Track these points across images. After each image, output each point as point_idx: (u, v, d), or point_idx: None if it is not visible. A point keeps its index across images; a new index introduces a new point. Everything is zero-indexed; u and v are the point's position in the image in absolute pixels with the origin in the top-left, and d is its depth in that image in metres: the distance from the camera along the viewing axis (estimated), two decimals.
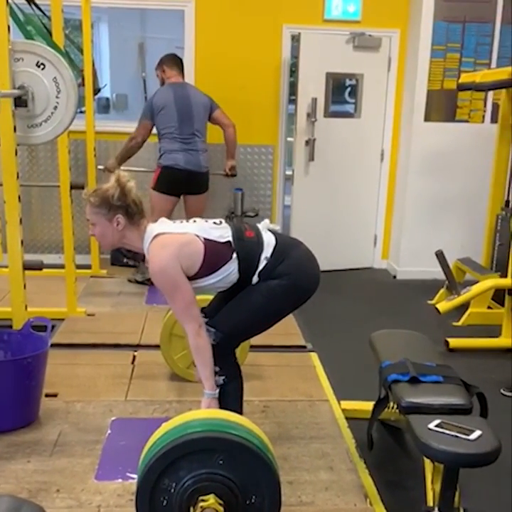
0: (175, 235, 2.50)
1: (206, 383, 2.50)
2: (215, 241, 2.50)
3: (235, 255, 2.49)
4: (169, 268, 2.42)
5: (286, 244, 2.60)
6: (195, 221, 2.58)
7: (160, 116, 4.81)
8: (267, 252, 2.52)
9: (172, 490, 2.01)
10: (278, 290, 2.51)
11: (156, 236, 2.48)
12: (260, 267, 2.51)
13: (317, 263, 2.65)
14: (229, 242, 2.51)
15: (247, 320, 2.58)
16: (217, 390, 2.53)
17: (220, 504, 1.99)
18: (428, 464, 2.57)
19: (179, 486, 2.01)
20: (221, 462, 2.01)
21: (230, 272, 2.50)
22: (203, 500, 1.99)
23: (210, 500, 1.98)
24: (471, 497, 2.48)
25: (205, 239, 2.49)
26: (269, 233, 2.59)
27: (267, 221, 2.68)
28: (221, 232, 2.53)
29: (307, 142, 5.64)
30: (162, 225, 2.55)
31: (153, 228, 2.52)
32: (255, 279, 2.52)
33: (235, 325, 2.57)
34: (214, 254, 2.48)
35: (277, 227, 2.69)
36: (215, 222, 2.57)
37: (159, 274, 2.43)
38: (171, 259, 2.43)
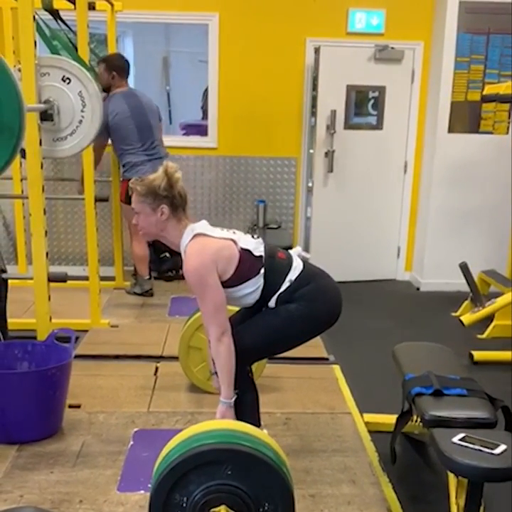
0: (215, 238, 2.53)
1: (223, 391, 2.51)
2: (250, 251, 2.53)
3: (262, 271, 2.52)
4: (205, 268, 2.44)
5: (313, 272, 2.63)
6: (234, 232, 2.62)
7: (116, 132, 4.68)
8: (293, 275, 2.55)
9: (184, 504, 2.02)
10: (296, 315, 2.53)
11: (196, 235, 2.51)
12: (282, 289, 2.53)
13: (340, 295, 2.66)
14: (261, 256, 2.54)
15: (263, 339, 2.60)
16: (234, 399, 2.53)
17: None
18: (452, 478, 2.54)
19: (190, 499, 2.02)
20: (230, 473, 2.01)
21: (255, 287, 2.52)
22: None
23: (222, 511, 1.98)
24: None
25: (241, 248, 2.52)
26: (299, 260, 2.63)
27: (299, 248, 2.73)
28: (256, 245, 2.56)
29: (326, 154, 5.66)
30: (203, 226, 2.56)
31: (194, 227, 2.54)
32: (272, 302, 2.55)
33: (250, 342, 2.57)
34: (247, 265, 2.51)
35: (308, 256, 2.71)
36: (252, 236, 2.62)
37: (194, 272, 2.45)
38: (208, 259, 2.45)
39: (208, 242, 2.51)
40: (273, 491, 2.03)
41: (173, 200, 2.52)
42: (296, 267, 2.58)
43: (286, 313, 2.54)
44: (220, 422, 2.37)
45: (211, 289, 2.45)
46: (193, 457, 2.01)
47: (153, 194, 2.50)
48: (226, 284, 2.50)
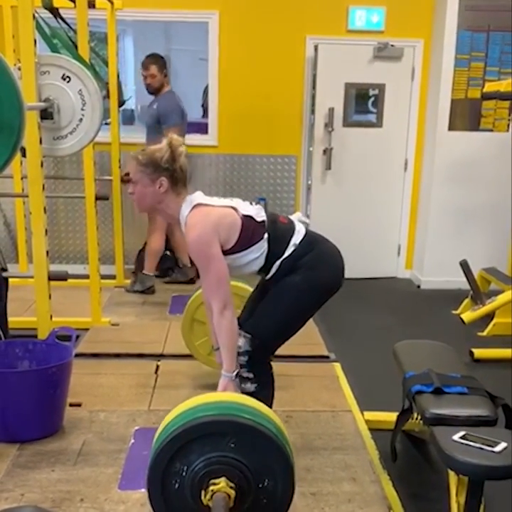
0: (215, 207, 2.51)
1: (225, 363, 2.50)
2: (252, 217, 2.52)
3: (266, 235, 2.51)
4: (207, 237, 2.42)
5: (315, 237, 2.63)
6: (232, 200, 2.61)
7: (182, 125, 4.99)
8: (297, 239, 2.55)
9: (183, 473, 2.01)
10: (303, 287, 2.52)
11: (195, 206, 2.49)
12: (287, 254, 2.52)
13: (342, 259, 2.66)
14: (264, 221, 2.54)
15: (278, 324, 2.58)
16: (235, 372, 2.52)
17: (231, 487, 1.98)
18: (452, 476, 2.54)
19: (190, 469, 2.00)
20: (233, 445, 2.00)
21: (260, 252, 2.51)
22: (214, 484, 1.98)
23: (221, 483, 1.97)
24: (496, 510, 2.45)
25: (243, 214, 2.52)
26: (301, 224, 2.62)
27: (299, 213, 2.73)
28: (257, 211, 2.56)
29: (324, 151, 5.70)
30: (201, 197, 2.55)
31: (193, 198, 2.53)
32: (276, 266, 2.53)
33: (269, 328, 2.57)
34: (250, 231, 2.50)
35: (308, 221, 2.70)
36: (251, 203, 2.61)
37: (196, 243, 2.43)
38: (210, 229, 2.43)
39: (208, 211, 2.49)
40: (274, 468, 2.02)
41: (173, 173, 2.50)
42: (299, 231, 2.57)
43: (293, 290, 2.53)
44: (225, 395, 2.37)
45: (214, 260, 2.43)
46: (197, 427, 2.00)
47: (154, 165, 2.48)
48: (231, 251, 2.49)
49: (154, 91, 5.06)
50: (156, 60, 5.01)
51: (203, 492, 2.00)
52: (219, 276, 2.45)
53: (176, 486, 2.03)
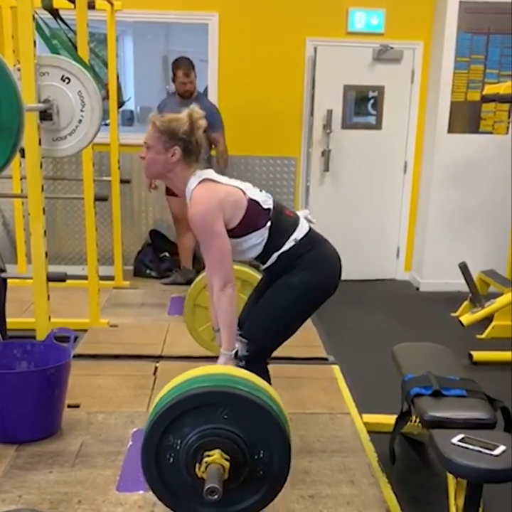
0: (223, 185, 2.50)
1: (224, 341, 2.47)
2: (258, 203, 2.51)
3: (269, 224, 2.48)
4: (211, 213, 2.39)
5: (316, 236, 2.61)
6: (242, 182, 2.59)
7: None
8: (298, 235, 2.52)
9: (177, 447, 2.01)
10: (300, 289, 2.51)
11: (204, 180, 2.47)
12: (285, 247, 2.50)
13: (340, 261, 2.64)
14: (269, 210, 2.52)
15: (275, 327, 2.57)
16: (235, 351, 2.49)
17: (226, 459, 1.97)
18: (451, 479, 2.54)
19: (184, 442, 2.00)
20: (226, 417, 1.99)
21: (260, 239, 2.49)
22: (208, 456, 1.97)
23: (215, 455, 1.96)
24: None
25: (250, 198, 2.50)
26: (305, 222, 2.60)
27: (306, 211, 2.72)
28: (265, 198, 2.54)
29: (323, 153, 5.72)
30: (211, 173, 2.53)
31: (202, 173, 2.51)
32: (273, 258, 2.51)
33: (266, 331, 2.56)
34: (254, 215, 2.48)
35: (314, 221, 2.68)
36: (260, 190, 2.59)
37: (200, 217, 2.40)
38: (215, 204, 2.41)
39: (215, 188, 2.47)
40: (270, 439, 2.01)
41: (188, 145, 2.47)
42: (302, 228, 2.55)
43: (290, 292, 2.51)
44: (219, 367, 2.34)
45: (217, 236, 2.40)
46: (189, 399, 1.99)
47: (170, 133, 2.45)
48: (232, 234, 2.46)
49: (190, 95, 5.10)
50: (192, 65, 5.09)
51: (197, 465, 1.98)
52: (221, 252, 2.42)
53: (171, 460, 2.03)
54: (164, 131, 2.46)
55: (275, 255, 2.52)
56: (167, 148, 2.46)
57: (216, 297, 2.46)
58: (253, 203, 2.50)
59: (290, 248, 2.51)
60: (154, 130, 2.48)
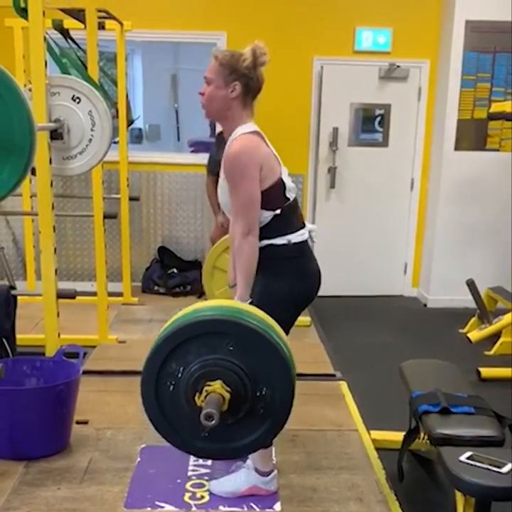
0: (270, 148, 2.46)
1: (239, 290, 2.37)
2: (285, 187, 2.45)
3: (278, 211, 2.41)
4: (249, 155, 2.33)
5: (309, 251, 2.54)
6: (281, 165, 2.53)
7: None
8: (294, 238, 2.45)
9: (179, 375, 1.96)
10: (275, 298, 2.41)
11: (254, 132, 2.43)
12: (276, 242, 2.41)
13: (319, 281, 2.57)
14: (288, 199, 2.46)
15: None
16: (249, 301, 2.37)
17: (227, 391, 1.92)
18: (459, 497, 2.53)
19: (186, 370, 1.95)
20: (231, 348, 1.93)
21: (260, 220, 2.39)
22: (209, 386, 1.92)
23: (217, 385, 1.91)
24: None
25: (281, 177, 2.45)
26: (308, 233, 2.54)
27: (314, 226, 2.64)
28: (291, 188, 2.50)
29: (329, 170, 5.78)
30: (263, 136, 2.48)
31: (255, 127, 2.47)
32: (262, 244, 2.40)
33: None
34: (274, 194, 2.41)
35: (315, 240, 2.60)
36: (292, 181, 2.55)
37: (237, 155, 2.33)
38: (257, 153, 2.35)
39: (261, 145, 2.42)
40: (274, 378, 1.96)
41: (249, 81, 2.42)
42: (301, 236, 2.47)
43: (268, 297, 2.39)
44: (232, 301, 2.26)
45: (248, 179, 2.32)
46: (194, 325, 1.95)
47: (232, 68, 2.39)
48: None
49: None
50: None
51: (197, 394, 1.94)
52: (250, 198, 2.32)
53: (171, 388, 1.98)
54: (226, 65, 2.40)
55: (264, 243, 2.42)
56: (227, 82, 2.39)
57: (237, 244, 2.36)
58: (281, 184, 2.44)
59: (280, 245, 2.42)
60: (216, 63, 2.40)
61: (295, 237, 2.46)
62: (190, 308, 2.08)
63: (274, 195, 2.41)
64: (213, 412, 1.84)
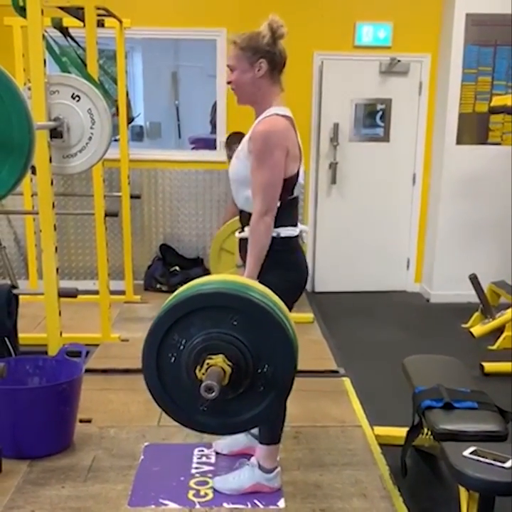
0: (298, 138, 2.46)
1: (248, 268, 2.35)
2: (294, 182, 2.42)
3: (278, 203, 2.38)
4: (277, 137, 2.30)
5: (297, 247, 2.51)
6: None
7: None
8: (284, 232, 2.42)
9: (181, 347, 1.94)
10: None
11: (285, 116, 2.41)
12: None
13: (306, 274, 2.55)
14: (292, 194, 2.44)
15: None
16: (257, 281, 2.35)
17: (228, 365, 1.91)
18: (463, 492, 2.52)
19: (189, 343, 1.93)
20: (235, 323, 1.92)
21: None
22: (210, 359, 1.91)
23: (218, 359, 1.90)
24: None
25: (297, 172, 2.43)
26: (297, 232, 2.51)
27: (306, 227, 2.64)
28: (299, 186, 2.48)
29: (330, 165, 5.77)
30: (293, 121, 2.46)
31: (288, 112, 2.45)
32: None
33: None
34: (287, 186, 2.38)
35: (305, 241, 2.60)
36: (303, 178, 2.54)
37: (265, 134, 2.31)
38: (286, 136, 2.34)
39: (290, 130, 2.40)
40: (277, 355, 1.95)
41: (273, 56, 2.38)
42: (290, 232, 2.45)
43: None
44: (236, 276, 2.24)
45: (273, 159, 2.28)
46: (198, 297, 1.93)
47: (254, 47, 2.34)
48: None
49: None
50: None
51: (198, 367, 1.93)
52: (271, 177, 2.29)
53: (172, 359, 1.96)
54: (246, 47, 2.35)
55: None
56: (252, 63, 2.36)
57: (254, 223, 2.32)
58: (295, 178, 2.42)
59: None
60: (235, 49, 2.37)
61: (285, 231, 2.43)
62: (196, 281, 2.07)
63: (284, 186, 2.39)
64: (214, 384, 1.83)
